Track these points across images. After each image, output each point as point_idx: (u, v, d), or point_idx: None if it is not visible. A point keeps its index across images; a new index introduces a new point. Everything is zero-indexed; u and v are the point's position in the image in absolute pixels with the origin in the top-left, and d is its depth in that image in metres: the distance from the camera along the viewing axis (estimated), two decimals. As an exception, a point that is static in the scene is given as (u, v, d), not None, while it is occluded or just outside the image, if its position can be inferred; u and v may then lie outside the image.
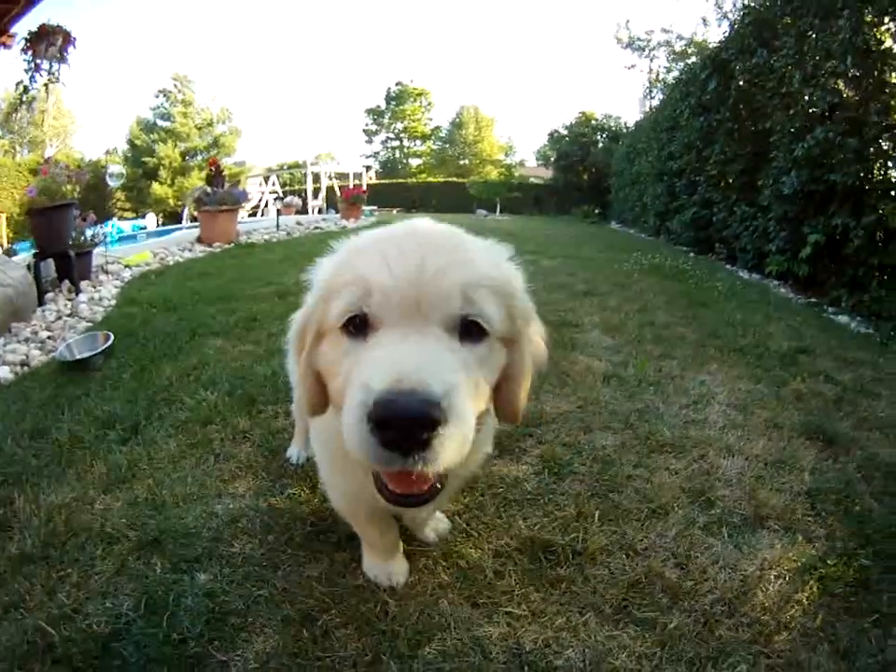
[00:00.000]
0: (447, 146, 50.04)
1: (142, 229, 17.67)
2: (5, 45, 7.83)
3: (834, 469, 2.51)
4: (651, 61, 25.10)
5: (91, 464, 2.47)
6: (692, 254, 9.63)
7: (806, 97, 6.88)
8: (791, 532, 2.06)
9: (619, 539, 1.99)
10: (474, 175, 36.77)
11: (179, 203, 34.01)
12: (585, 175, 23.37)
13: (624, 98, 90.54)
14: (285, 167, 35.25)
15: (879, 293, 5.59)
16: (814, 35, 6.81)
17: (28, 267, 5.87)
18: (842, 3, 6.11)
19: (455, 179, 34.53)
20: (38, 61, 7.62)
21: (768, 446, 2.67)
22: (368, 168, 28.10)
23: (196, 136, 40.89)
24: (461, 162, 46.87)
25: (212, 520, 2.08)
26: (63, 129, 41.24)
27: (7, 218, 11.59)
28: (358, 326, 1.06)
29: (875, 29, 6.02)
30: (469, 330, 1.06)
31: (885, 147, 5.93)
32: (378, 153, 52.21)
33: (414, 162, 50.79)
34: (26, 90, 7.90)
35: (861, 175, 5.91)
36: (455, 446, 0.94)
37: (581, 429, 2.77)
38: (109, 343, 4.00)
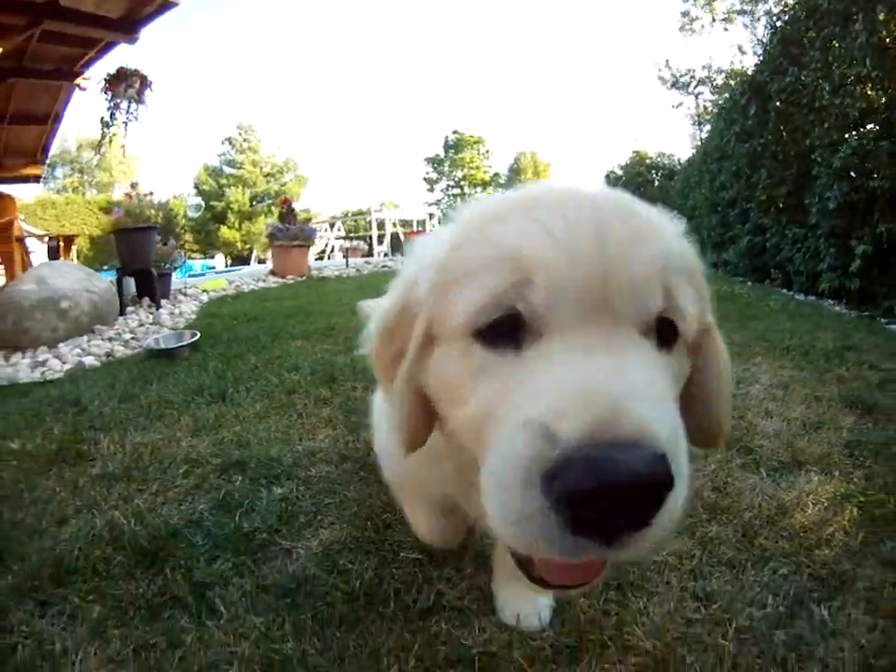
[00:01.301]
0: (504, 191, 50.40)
1: (210, 268, 18.60)
2: (79, 87, 8.66)
3: (874, 429, 2.59)
4: (697, 97, 25.46)
5: (178, 419, 2.78)
6: (748, 283, 9.50)
7: (837, 108, 6.83)
8: (829, 472, 2.17)
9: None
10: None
11: (247, 245, 35.59)
12: None
13: (676, 135, 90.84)
14: (349, 214, 36.45)
15: None
16: (836, 44, 6.82)
17: (111, 282, 6.44)
18: (855, 6, 6.16)
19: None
20: (117, 100, 8.34)
21: (807, 412, 2.78)
22: (431, 216, 28.93)
23: (263, 183, 43.01)
24: None
25: (293, 452, 2.34)
26: (131, 172, 43.94)
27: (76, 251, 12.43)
28: (507, 331, 0.70)
29: (890, 25, 6.02)
30: (664, 332, 0.75)
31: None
32: (440, 201, 53.21)
33: None
34: (107, 125, 8.60)
35: None
36: (676, 515, 0.62)
37: None
38: (196, 338, 4.45)
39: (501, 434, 0.64)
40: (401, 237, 20.70)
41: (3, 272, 8.11)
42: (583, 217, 0.71)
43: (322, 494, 2.01)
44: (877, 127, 6.06)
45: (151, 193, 7.87)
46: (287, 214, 11.33)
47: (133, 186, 7.85)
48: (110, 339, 5.13)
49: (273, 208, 39.37)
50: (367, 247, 20.87)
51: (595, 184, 0.91)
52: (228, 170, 43.06)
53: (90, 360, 4.40)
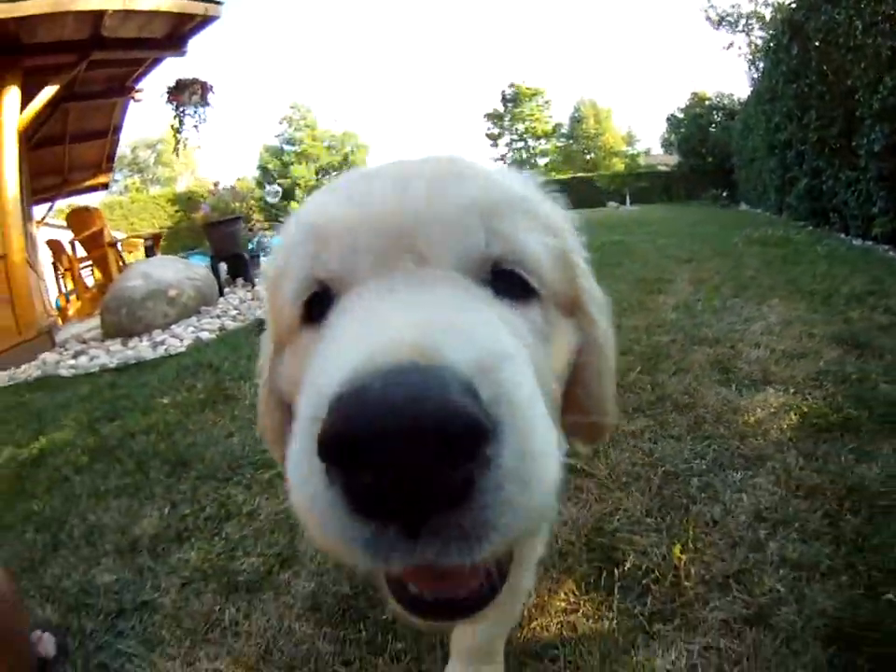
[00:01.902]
0: (571, 141, 50.27)
1: None
2: (134, 99, 9.62)
3: (855, 363, 2.92)
4: (748, 35, 24.71)
5: None
6: (809, 227, 9.33)
7: (871, 47, 6.62)
8: (789, 391, 2.67)
9: (650, 380, 2.89)
10: (601, 168, 37.18)
11: (318, 220, 36.91)
12: (709, 157, 22.89)
13: (733, 75, 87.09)
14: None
15: None
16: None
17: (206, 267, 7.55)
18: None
19: (582, 175, 34.99)
20: (182, 108, 9.29)
21: (795, 345, 3.26)
22: None
23: (326, 155, 44.30)
24: (587, 157, 47.02)
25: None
26: (191, 163, 46.10)
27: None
28: (322, 306, 0.66)
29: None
30: (510, 286, 0.65)
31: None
32: (505, 156, 53.30)
33: (542, 161, 51.30)
34: (178, 131, 9.59)
35: None
36: (528, 484, 0.44)
37: (645, 333, 3.63)
38: None
39: (299, 409, 0.51)
40: None
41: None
42: (387, 174, 0.68)
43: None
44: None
45: (233, 188, 8.81)
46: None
47: (216, 185, 8.76)
48: (218, 316, 6.09)
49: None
50: None
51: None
52: (288, 148, 44.73)
53: (205, 335, 5.38)
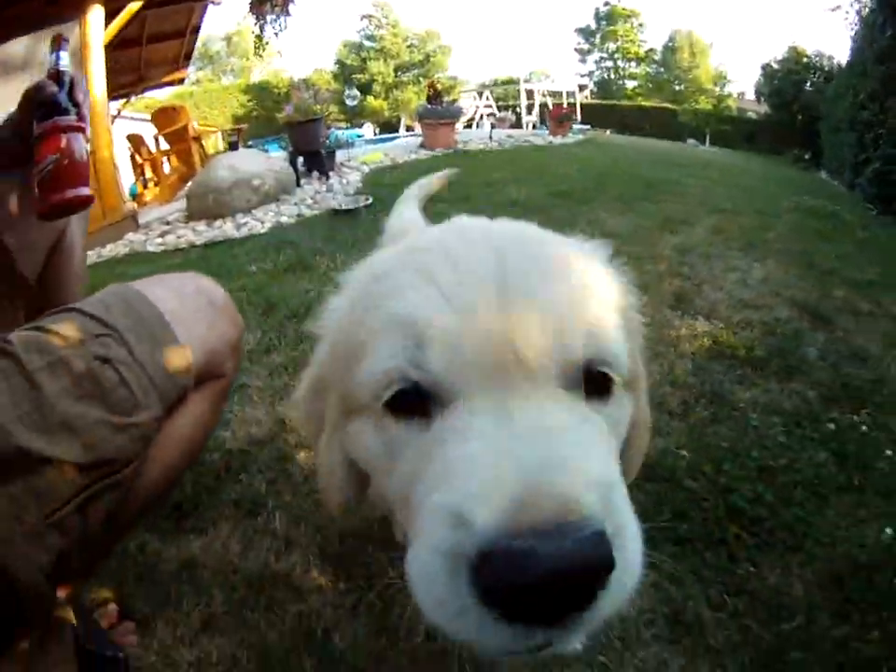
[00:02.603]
0: (662, 70, 48.82)
1: (360, 136, 19.53)
2: (213, 2, 10.40)
3: (801, 327, 3.33)
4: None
5: (369, 251, 4.59)
6: (874, 212, 9.26)
7: None
8: (720, 326, 3.20)
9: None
10: (688, 102, 36.46)
11: (394, 114, 37.27)
12: (798, 115, 22.34)
13: (837, 36, 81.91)
14: (498, 83, 36.92)
15: None
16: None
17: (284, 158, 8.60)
18: None
19: (667, 105, 34.24)
20: (262, 21, 9.93)
21: (756, 298, 3.73)
22: (582, 87, 28.50)
23: (406, 54, 44.27)
24: (676, 88, 45.62)
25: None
26: (268, 55, 46.67)
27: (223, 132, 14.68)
28: (415, 401, 0.65)
29: None
30: (597, 384, 0.68)
31: None
32: (592, 72, 52.30)
33: (630, 84, 50.31)
34: (260, 38, 10.28)
35: None
36: (630, 586, 0.56)
37: (635, 259, 4.13)
38: (369, 201, 6.28)
39: (419, 521, 0.59)
40: (550, 107, 19.59)
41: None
42: (480, 262, 0.68)
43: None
44: None
45: (317, 91, 9.57)
46: (434, 96, 12.89)
47: (297, 87, 9.54)
48: (295, 204, 7.03)
49: (421, 78, 41.23)
50: (514, 118, 20.47)
51: (500, 222, 0.87)
52: (369, 44, 44.68)
53: (284, 220, 6.35)
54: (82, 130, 1.29)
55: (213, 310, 1.31)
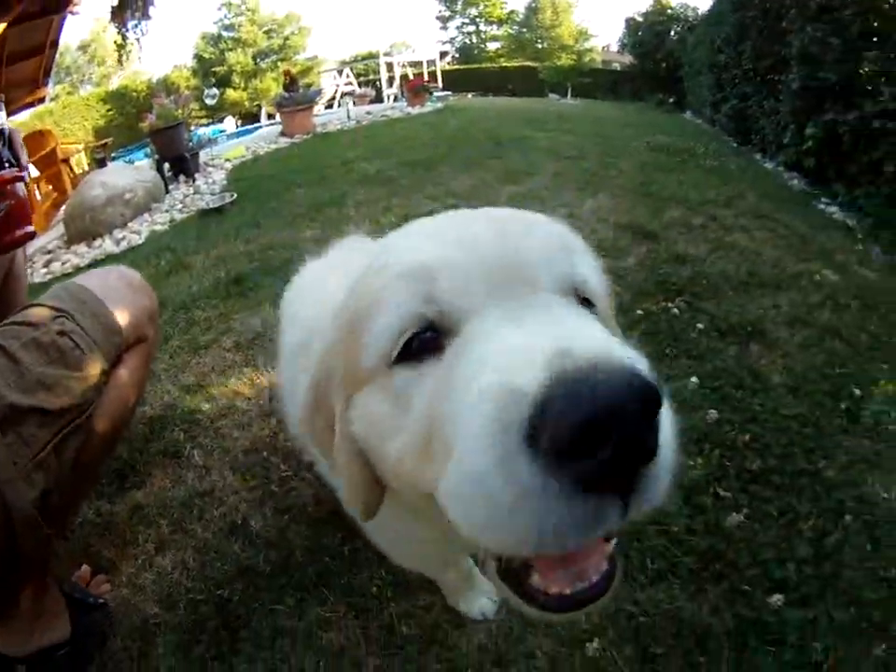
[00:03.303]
0: (524, 30, 49.58)
1: (222, 132, 19.35)
2: (72, 13, 10.39)
3: (622, 243, 3.91)
4: None
5: (235, 240, 5.19)
6: (734, 144, 10.60)
7: None
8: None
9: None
10: (551, 59, 37.53)
11: (255, 103, 36.94)
12: (662, 63, 23.45)
13: None
14: (358, 59, 36.94)
15: (869, 190, 6.31)
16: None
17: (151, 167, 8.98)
18: None
19: (529, 64, 35.50)
20: (124, 28, 10.10)
21: (579, 224, 4.17)
22: (443, 54, 28.67)
23: (264, 40, 43.76)
24: (539, 46, 46.49)
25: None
26: (130, 62, 45.40)
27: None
28: (424, 345, 0.69)
29: None
30: (585, 307, 0.75)
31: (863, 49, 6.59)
32: (454, 39, 52.83)
33: (492, 46, 50.98)
34: (122, 47, 10.43)
35: (848, 74, 6.71)
36: (672, 442, 0.58)
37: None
38: (234, 197, 6.86)
39: (454, 433, 0.58)
40: (411, 78, 20.28)
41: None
42: (478, 219, 0.78)
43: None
44: (831, 24, 6.94)
45: (177, 97, 9.99)
46: (291, 83, 13.43)
47: (157, 94, 9.91)
48: (167, 210, 7.48)
49: (279, 63, 40.61)
50: (374, 93, 20.95)
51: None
52: (227, 34, 43.85)
53: (158, 227, 6.83)
54: (23, 178, 1.68)
55: (132, 289, 1.77)
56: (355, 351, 0.76)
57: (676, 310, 3.13)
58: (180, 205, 7.63)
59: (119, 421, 1.70)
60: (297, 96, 12.81)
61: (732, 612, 1.77)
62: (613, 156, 7.47)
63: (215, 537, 2.06)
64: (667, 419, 0.57)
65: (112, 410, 1.62)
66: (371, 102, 19.63)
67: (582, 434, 0.47)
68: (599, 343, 0.56)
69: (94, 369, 1.50)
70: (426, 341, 0.68)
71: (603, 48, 43.15)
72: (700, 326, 2.91)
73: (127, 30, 10.13)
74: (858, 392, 2.84)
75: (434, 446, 0.63)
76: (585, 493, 0.50)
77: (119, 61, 11.02)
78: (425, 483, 0.65)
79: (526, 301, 0.65)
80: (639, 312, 2.98)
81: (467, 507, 0.56)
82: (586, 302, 0.75)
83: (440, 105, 15.77)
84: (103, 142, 13.60)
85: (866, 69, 6.60)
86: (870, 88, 6.37)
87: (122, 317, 1.65)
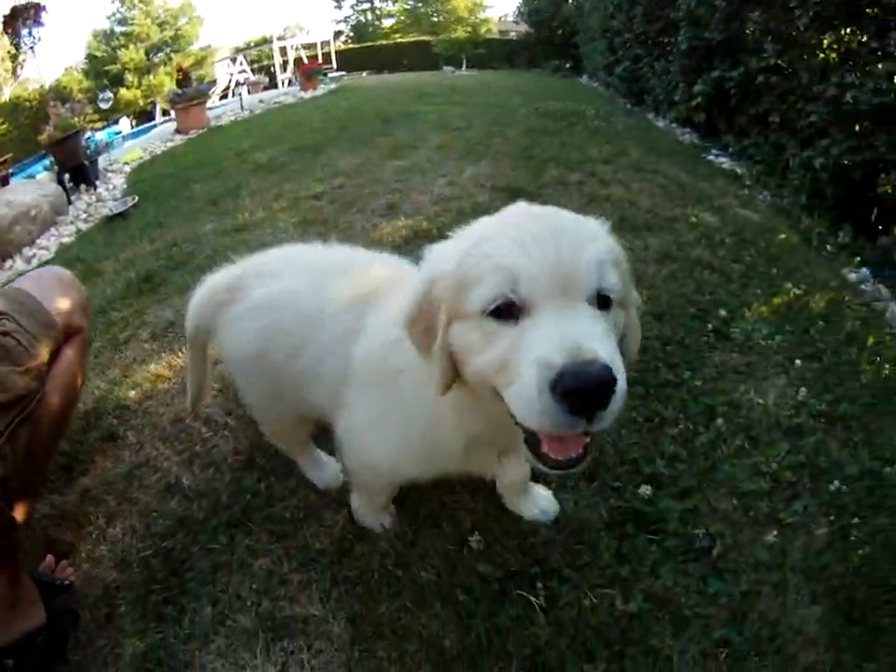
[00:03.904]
0: (420, 5, 48.48)
1: (118, 134, 18.80)
2: None
3: (497, 203, 4.30)
4: None
5: (139, 240, 5.45)
6: (628, 105, 11.40)
7: None
8: (419, 217, 4.36)
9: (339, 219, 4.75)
10: (446, 32, 37.57)
11: (149, 100, 36.00)
12: (559, 30, 23.49)
13: None
14: (252, 45, 36.30)
15: (758, 140, 6.85)
16: None
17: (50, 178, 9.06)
18: None
19: (424, 38, 35.74)
20: (16, 38, 10.02)
21: (461, 192, 4.82)
22: (338, 34, 28.19)
23: (157, 33, 42.49)
24: (434, 20, 45.83)
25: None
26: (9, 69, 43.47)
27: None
28: (505, 311, 1.14)
29: None
30: (602, 301, 1.17)
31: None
32: (349, 17, 51.84)
33: (388, 23, 50.31)
34: (14, 58, 10.35)
35: (734, 33, 7.17)
36: (622, 399, 1.06)
37: (354, 188, 5.52)
38: (135, 200, 7.11)
39: (519, 371, 1.08)
40: (305, 61, 20.03)
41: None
42: (543, 236, 1.14)
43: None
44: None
45: (71, 106, 9.98)
46: (184, 79, 13.36)
47: (53, 104, 9.88)
48: (72, 222, 7.67)
49: (171, 56, 39.45)
50: (268, 79, 20.60)
51: (544, 207, 1.32)
52: (120, 29, 42.31)
53: (66, 240, 7.04)
54: None
55: (63, 286, 2.00)
56: (461, 298, 1.19)
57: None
58: (84, 215, 7.81)
59: (66, 406, 1.91)
60: (189, 91, 12.86)
61: (607, 506, 2.04)
62: (500, 124, 7.82)
63: (154, 499, 2.34)
64: (620, 391, 1.03)
65: (57, 397, 1.83)
66: (265, 88, 19.44)
67: (574, 392, 0.99)
68: (595, 344, 1.03)
69: (36, 361, 1.70)
70: (507, 309, 1.13)
71: (500, 18, 43.42)
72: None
73: (20, 38, 10.02)
74: (724, 313, 3.21)
75: (506, 370, 1.11)
76: (572, 413, 1.01)
77: (14, 71, 10.84)
78: (495, 384, 1.15)
79: (568, 304, 1.09)
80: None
81: (521, 406, 1.08)
82: (605, 301, 1.17)
83: (333, 86, 15.98)
84: (2, 158, 13.39)
85: (751, 28, 6.98)
86: (755, 46, 6.74)
87: (57, 312, 1.88)
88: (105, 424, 2.81)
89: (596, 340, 1.06)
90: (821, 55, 5.64)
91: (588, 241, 1.17)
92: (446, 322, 1.24)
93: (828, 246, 4.67)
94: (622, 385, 1.05)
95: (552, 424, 1.05)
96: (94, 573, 2.08)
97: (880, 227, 4.84)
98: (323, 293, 1.70)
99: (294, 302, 1.74)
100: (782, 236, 4.40)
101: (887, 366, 2.89)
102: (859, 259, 4.44)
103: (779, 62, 6.28)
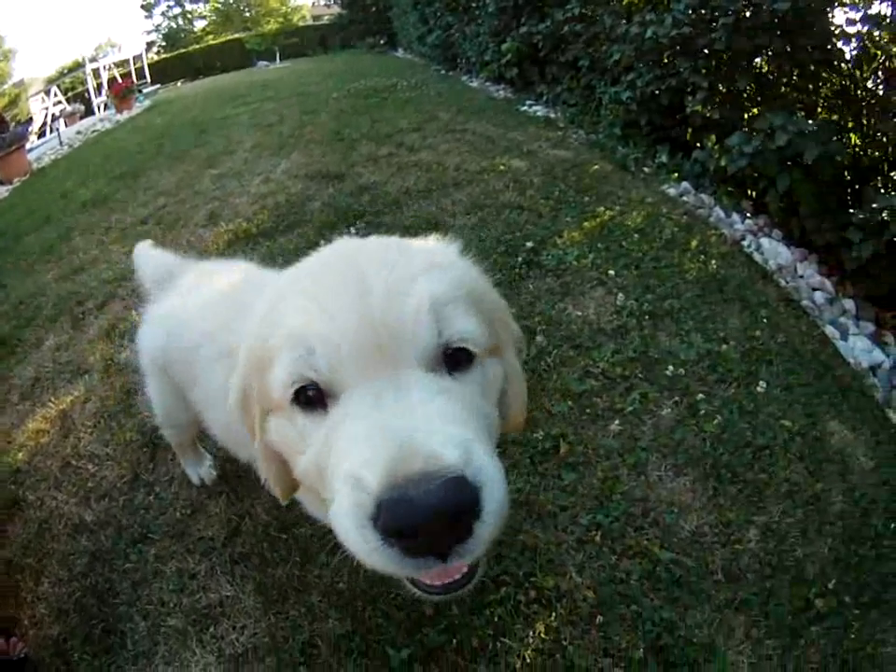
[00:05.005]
0: (231, 1, 47.57)
1: None
2: None
3: (309, 191, 4.74)
4: None
5: None
6: (443, 71, 11.74)
7: None
8: (238, 221, 4.56)
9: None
10: (259, 27, 37.10)
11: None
12: (373, 8, 23.32)
13: None
14: (65, 71, 34.55)
15: (571, 85, 7.17)
16: None
17: None
18: None
19: (237, 36, 34.92)
20: None
21: (275, 188, 5.05)
22: (150, 45, 27.33)
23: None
24: (246, 16, 44.84)
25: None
26: None
27: None
28: (314, 397, 0.91)
29: None
30: (457, 357, 0.91)
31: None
32: (161, 26, 49.78)
33: (200, 25, 48.45)
34: None
35: None
36: (497, 515, 0.79)
37: (166, 200, 5.72)
38: None
39: (331, 487, 0.84)
40: (119, 80, 18.97)
41: None
42: (348, 277, 0.90)
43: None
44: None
45: None
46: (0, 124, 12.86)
47: None
48: None
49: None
50: (83, 108, 19.10)
51: (368, 239, 1.09)
52: None
53: None
54: None
55: None
56: (264, 386, 1.00)
57: (354, 230, 3.86)
58: None
59: None
60: (8, 138, 12.07)
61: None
62: (311, 112, 8.08)
63: (66, 544, 2.50)
64: (491, 509, 0.78)
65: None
66: (82, 117, 18.28)
67: (402, 531, 0.75)
68: (436, 438, 0.77)
69: None
70: (313, 395, 0.91)
71: (313, 3, 43.19)
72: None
73: None
74: (531, 244, 3.42)
75: (322, 479, 0.91)
76: (410, 556, 0.77)
77: None
78: (323, 492, 0.93)
79: (390, 378, 0.85)
80: (323, 242, 4.00)
81: (344, 538, 0.83)
82: (458, 358, 0.92)
83: (148, 102, 15.61)
84: None
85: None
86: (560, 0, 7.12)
87: None
88: (5, 493, 2.87)
89: (437, 430, 0.80)
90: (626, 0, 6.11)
91: (420, 275, 0.93)
92: (261, 414, 1.07)
93: (645, 169, 5.01)
94: (494, 494, 0.80)
95: (385, 566, 0.80)
96: (41, 634, 2.18)
97: (697, 144, 5.13)
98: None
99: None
100: (595, 167, 4.84)
101: (713, 261, 3.22)
102: (677, 175, 4.86)
103: (583, 10, 6.69)
